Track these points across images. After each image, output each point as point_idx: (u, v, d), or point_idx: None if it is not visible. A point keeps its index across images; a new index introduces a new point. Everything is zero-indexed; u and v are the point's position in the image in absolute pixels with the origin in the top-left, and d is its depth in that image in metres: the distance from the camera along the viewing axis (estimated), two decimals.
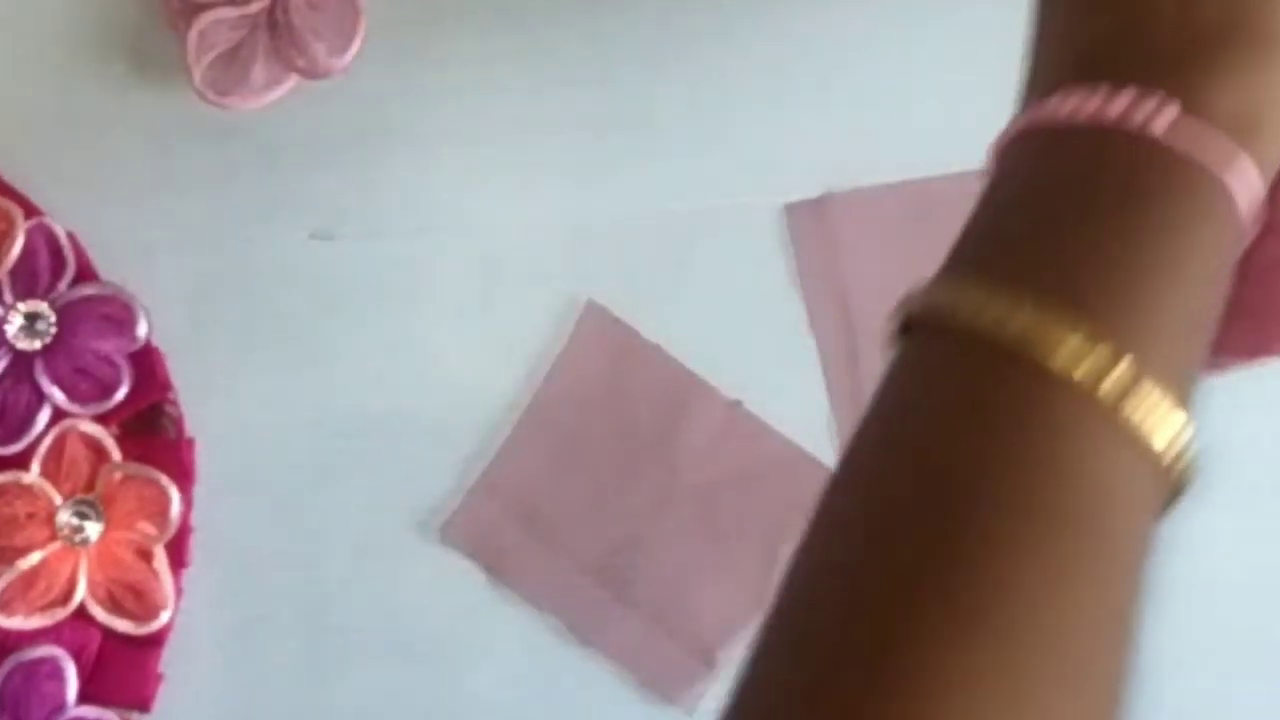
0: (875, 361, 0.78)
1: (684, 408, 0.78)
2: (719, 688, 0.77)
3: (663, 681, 0.78)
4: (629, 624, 0.77)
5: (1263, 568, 0.78)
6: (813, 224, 0.78)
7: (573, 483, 0.78)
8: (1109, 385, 0.42)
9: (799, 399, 0.78)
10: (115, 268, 0.78)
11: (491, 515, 0.78)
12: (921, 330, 0.46)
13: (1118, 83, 0.46)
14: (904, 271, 0.78)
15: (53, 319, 0.76)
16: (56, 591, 0.75)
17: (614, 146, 0.79)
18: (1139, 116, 0.45)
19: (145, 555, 0.76)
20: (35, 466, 0.76)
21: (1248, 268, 0.75)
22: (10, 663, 0.74)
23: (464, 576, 0.78)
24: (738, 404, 0.78)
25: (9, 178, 0.78)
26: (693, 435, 0.78)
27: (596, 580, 0.78)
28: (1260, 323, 0.75)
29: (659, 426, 0.78)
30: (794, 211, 0.79)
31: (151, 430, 0.78)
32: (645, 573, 0.77)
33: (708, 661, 0.77)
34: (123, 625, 0.75)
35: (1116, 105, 0.46)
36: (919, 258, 0.78)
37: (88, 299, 0.77)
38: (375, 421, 0.78)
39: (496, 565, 0.78)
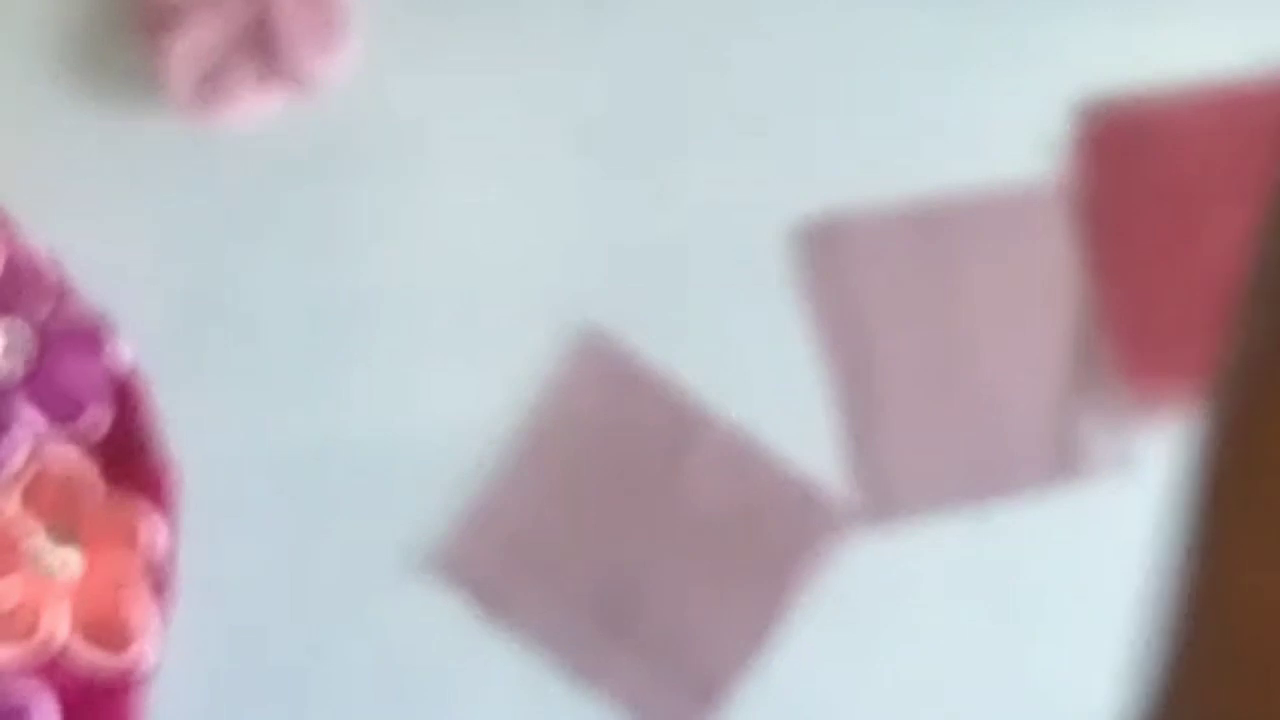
0: (888, 385, 0.77)
1: (685, 438, 0.76)
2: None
3: None
4: (628, 662, 0.76)
5: None
6: (822, 244, 0.77)
7: (569, 516, 0.76)
8: None
9: (808, 427, 0.77)
10: (98, 288, 0.76)
11: (486, 549, 0.76)
12: None
13: None
14: (915, 291, 0.78)
15: (33, 340, 0.75)
16: (31, 623, 0.73)
17: (615, 166, 0.77)
18: None
19: (125, 586, 0.74)
20: (13, 493, 0.74)
21: None
22: None
23: (458, 613, 0.76)
24: (741, 434, 0.76)
25: None
26: (694, 467, 0.76)
27: (594, 617, 0.76)
28: None
29: (659, 457, 0.76)
30: (803, 232, 0.77)
31: (132, 457, 0.76)
32: (645, 609, 0.76)
33: (709, 701, 0.75)
34: (100, 658, 0.74)
35: None
36: (930, 276, 0.78)
37: (69, 321, 0.75)
38: (367, 449, 0.77)
39: (491, 601, 0.76)
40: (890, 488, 0.76)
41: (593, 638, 0.76)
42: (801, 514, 0.75)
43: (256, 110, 0.76)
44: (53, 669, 0.73)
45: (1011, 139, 0.77)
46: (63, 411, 0.75)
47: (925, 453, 0.76)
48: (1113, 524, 0.76)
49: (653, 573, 0.76)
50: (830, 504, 0.76)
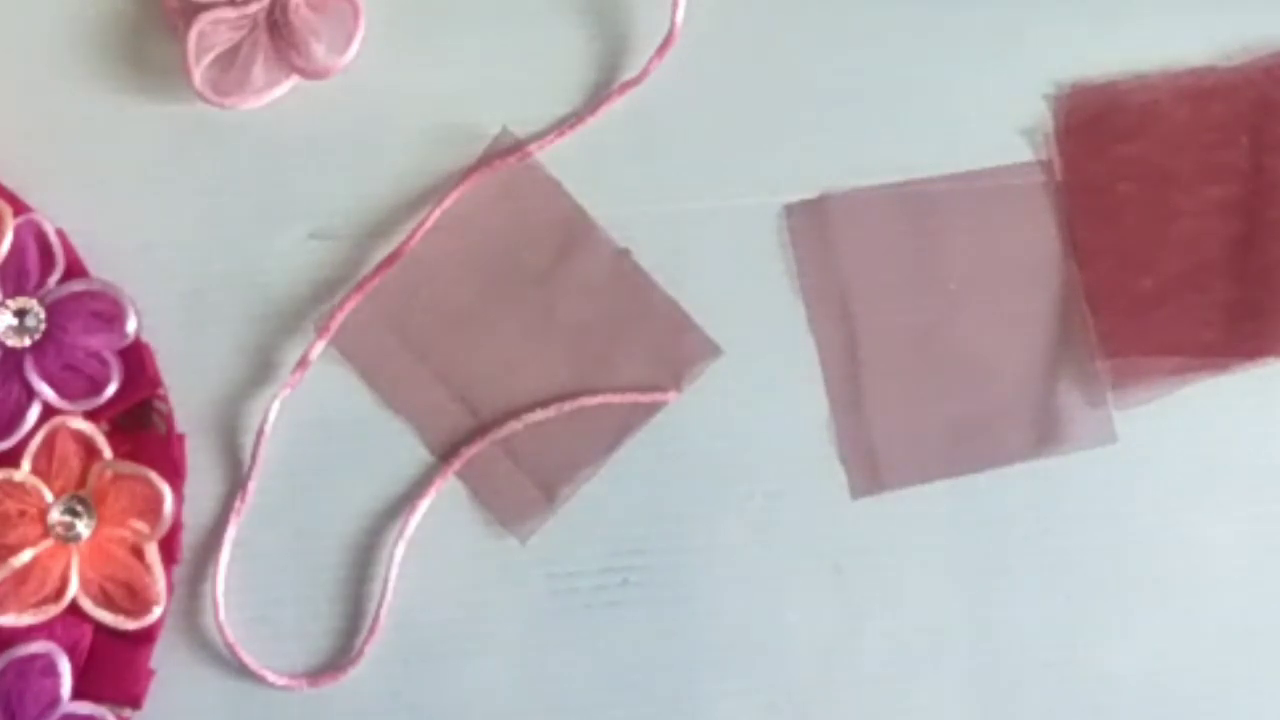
0: (875, 361, 0.78)
1: (573, 248, 0.77)
2: (553, 524, 0.77)
3: (504, 509, 0.77)
4: (482, 449, 0.77)
5: (1265, 570, 0.79)
6: (812, 224, 0.79)
7: (451, 301, 0.78)
8: None
9: (799, 399, 0.78)
10: (112, 266, 0.78)
11: (371, 320, 0.77)
12: None
13: None
14: (903, 271, 0.79)
15: (42, 315, 0.76)
16: (49, 589, 0.75)
17: (611, 146, 0.79)
18: None
19: (138, 552, 0.75)
20: (26, 464, 0.75)
21: (1248, 268, 0.77)
22: (3, 659, 0.74)
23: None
24: (626, 252, 0.78)
25: (1, 175, 0.77)
26: (576, 276, 0.77)
27: (460, 403, 0.77)
28: (1261, 324, 0.77)
29: (544, 263, 0.77)
30: (793, 212, 0.79)
31: (142, 427, 0.77)
32: (504, 403, 0.77)
33: (549, 496, 0.77)
34: (115, 621, 0.75)
35: None
36: (918, 257, 0.79)
37: (77, 295, 0.76)
38: (371, 421, 0.78)
39: (369, 370, 0.77)
40: (874, 460, 0.78)
41: (454, 420, 0.77)
42: (670, 332, 0.77)
43: (271, 95, 0.77)
44: (65, 632, 0.74)
45: (992, 125, 0.79)
46: (73, 383, 0.76)
47: (908, 426, 0.78)
48: (1093, 497, 0.78)
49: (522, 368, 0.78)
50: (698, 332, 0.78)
